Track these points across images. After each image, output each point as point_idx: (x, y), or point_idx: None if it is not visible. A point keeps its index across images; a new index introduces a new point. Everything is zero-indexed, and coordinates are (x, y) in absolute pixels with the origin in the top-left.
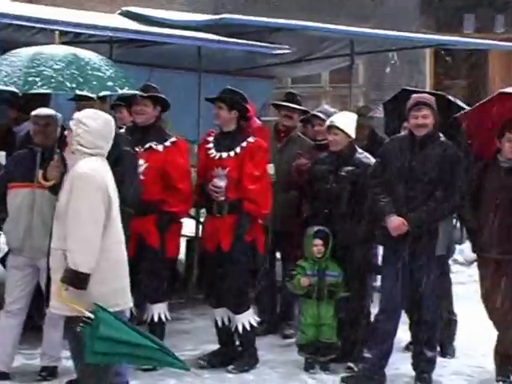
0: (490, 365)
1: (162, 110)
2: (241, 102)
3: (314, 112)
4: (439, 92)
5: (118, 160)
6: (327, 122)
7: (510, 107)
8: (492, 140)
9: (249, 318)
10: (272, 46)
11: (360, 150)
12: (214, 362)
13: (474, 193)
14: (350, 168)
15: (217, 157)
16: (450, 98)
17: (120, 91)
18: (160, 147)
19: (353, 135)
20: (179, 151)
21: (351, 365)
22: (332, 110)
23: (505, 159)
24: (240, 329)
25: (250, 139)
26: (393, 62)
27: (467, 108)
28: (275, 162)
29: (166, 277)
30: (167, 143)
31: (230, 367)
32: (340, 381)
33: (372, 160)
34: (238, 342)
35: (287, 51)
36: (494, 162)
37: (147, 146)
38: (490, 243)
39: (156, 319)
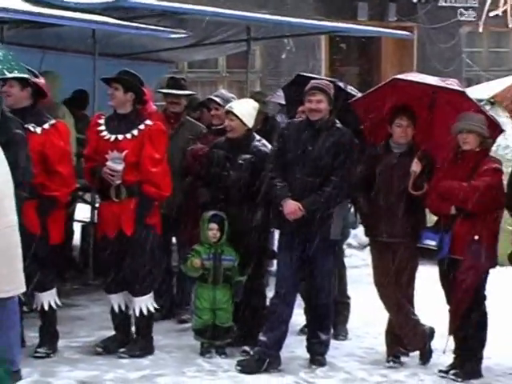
0: (381, 346)
1: (40, 94)
2: (137, 85)
3: (211, 96)
4: (329, 79)
5: (9, 143)
6: (226, 107)
7: (401, 93)
8: (384, 125)
9: (147, 303)
10: (169, 30)
11: (258, 138)
12: (111, 347)
13: (366, 177)
14: (246, 156)
15: (112, 139)
16: (340, 84)
17: (9, 75)
18: (38, 130)
19: (249, 124)
20: (59, 134)
21: (247, 348)
22: (229, 94)
23: (395, 144)
24: (137, 313)
25: (148, 122)
26: (288, 48)
27: (358, 94)
28: (167, 147)
29: (52, 264)
30: (46, 126)
31: (121, 350)
32: (236, 364)
33: (269, 148)
34: (134, 328)
35: (184, 35)
36: (386, 148)
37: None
38: (381, 227)
39: (46, 307)
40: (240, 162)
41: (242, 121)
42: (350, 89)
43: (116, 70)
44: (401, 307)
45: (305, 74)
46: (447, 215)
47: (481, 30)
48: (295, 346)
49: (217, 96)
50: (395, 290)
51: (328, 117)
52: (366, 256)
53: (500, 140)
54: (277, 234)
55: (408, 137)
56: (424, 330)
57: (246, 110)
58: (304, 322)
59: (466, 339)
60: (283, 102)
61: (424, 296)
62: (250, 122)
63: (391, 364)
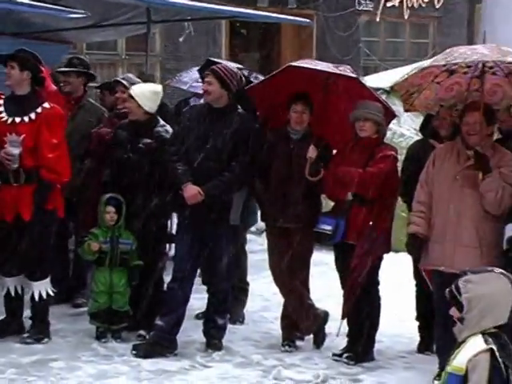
0: (277, 331)
1: None
2: (34, 63)
3: (118, 78)
4: (237, 65)
5: None
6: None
7: (297, 80)
8: (281, 111)
9: (45, 287)
10: (67, 9)
11: (162, 123)
12: (1, 332)
13: (263, 163)
14: (147, 140)
15: (9, 121)
16: (244, 72)
17: None
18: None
19: (146, 107)
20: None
21: (143, 332)
22: (136, 79)
23: (292, 130)
24: (36, 297)
25: (46, 105)
26: (188, 31)
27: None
28: (67, 129)
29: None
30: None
31: (25, 335)
32: (132, 349)
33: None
34: (29, 312)
35: (82, 15)
36: (283, 134)
37: None
38: (277, 212)
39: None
40: (140, 145)
41: (138, 103)
42: (254, 76)
43: (12, 49)
44: (295, 291)
45: (214, 59)
46: (343, 201)
47: (378, 19)
48: (192, 330)
49: (124, 79)
50: (290, 275)
51: (228, 102)
52: (264, 241)
53: (395, 128)
54: (176, 218)
55: (304, 123)
56: (318, 314)
57: (142, 92)
58: (201, 307)
59: (358, 323)
60: (184, 87)
61: (319, 280)
62: (146, 105)
63: (286, 348)
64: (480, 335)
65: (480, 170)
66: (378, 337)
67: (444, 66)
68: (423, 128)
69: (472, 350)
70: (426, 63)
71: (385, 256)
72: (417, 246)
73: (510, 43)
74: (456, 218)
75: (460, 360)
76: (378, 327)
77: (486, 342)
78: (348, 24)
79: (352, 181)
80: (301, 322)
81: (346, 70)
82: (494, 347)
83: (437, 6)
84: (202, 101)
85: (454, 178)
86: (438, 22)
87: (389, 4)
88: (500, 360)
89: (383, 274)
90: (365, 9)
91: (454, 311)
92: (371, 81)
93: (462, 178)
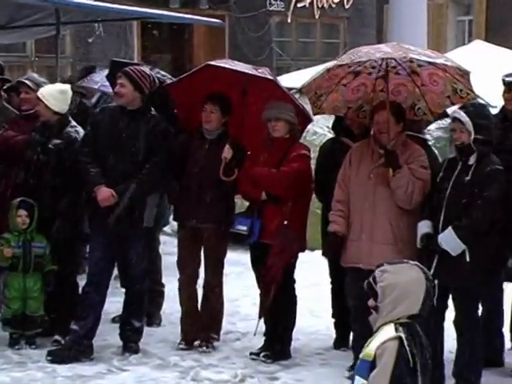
0: None
1: None
2: None
3: (21, 79)
4: (134, 62)
5: None
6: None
7: (215, 80)
8: (197, 111)
9: None
10: None
11: (73, 124)
12: None
13: (178, 163)
14: (57, 141)
15: None
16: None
17: None
18: None
19: (54, 107)
20: None
21: (58, 338)
22: (41, 79)
23: (207, 131)
24: None
25: None
26: (98, 33)
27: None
28: None
29: None
30: None
31: None
32: (46, 355)
33: (81, 134)
34: None
35: None
36: (199, 134)
37: None
38: (191, 212)
39: None
40: (50, 146)
41: (45, 104)
42: (157, 71)
43: None
44: (214, 292)
45: (119, 59)
46: (258, 201)
47: (289, 20)
48: (108, 334)
49: (27, 79)
50: (197, 275)
51: (142, 104)
52: None
53: (309, 126)
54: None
55: (212, 122)
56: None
57: (49, 93)
58: (117, 311)
59: (275, 322)
60: (95, 86)
61: (236, 280)
62: (54, 105)
63: (204, 349)
64: (392, 324)
65: (390, 167)
66: (294, 335)
67: (349, 67)
68: (335, 126)
69: (382, 337)
70: (331, 64)
71: (300, 254)
72: (336, 245)
73: (416, 42)
74: (371, 216)
75: (371, 347)
76: (295, 325)
77: (396, 330)
78: (260, 25)
79: (266, 181)
80: (215, 321)
81: (265, 72)
82: (403, 336)
83: (346, 7)
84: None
85: (368, 177)
86: (347, 22)
87: (300, 5)
88: (408, 348)
89: (299, 272)
90: (276, 9)
91: (371, 301)
92: (284, 81)
93: (376, 176)
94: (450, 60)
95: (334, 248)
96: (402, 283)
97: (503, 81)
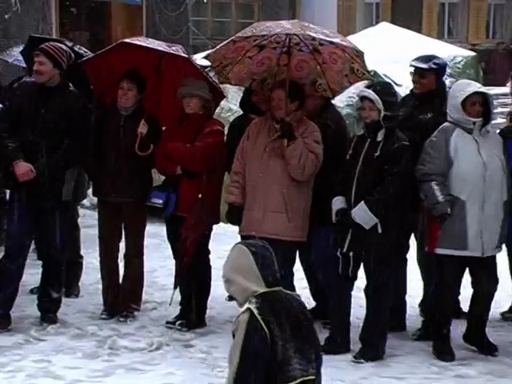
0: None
1: None
2: None
3: None
4: (56, 38)
5: None
6: None
7: (130, 57)
8: (113, 87)
9: None
10: None
11: None
12: None
13: (95, 139)
14: None
15: None
16: (68, 43)
17: None
18: None
19: None
20: None
21: None
22: None
23: (122, 107)
24: None
25: None
26: (15, 9)
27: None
28: None
29: None
30: None
31: None
32: None
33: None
34: None
35: None
36: (114, 109)
37: None
38: (109, 187)
39: None
40: None
41: None
42: (79, 47)
43: None
44: (133, 264)
45: (37, 35)
46: (173, 175)
47: (205, 0)
48: (26, 305)
49: None
50: (118, 248)
51: (60, 80)
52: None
53: (223, 103)
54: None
55: (130, 100)
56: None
57: None
58: (35, 282)
59: (190, 291)
60: (9, 60)
61: (154, 252)
62: None
63: (125, 319)
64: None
65: (285, 138)
66: (209, 303)
67: (255, 40)
68: (243, 103)
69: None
70: (235, 36)
71: (214, 226)
72: (235, 215)
73: (327, 23)
74: (265, 187)
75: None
76: (210, 294)
77: (249, 303)
78: (177, 4)
79: (180, 155)
80: (134, 293)
81: (179, 50)
82: (253, 306)
83: None
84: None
85: (264, 150)
86: (262, 2)
87: None
88: (259, 317)
89: (213, 243)
90: None
91: (227, 289)
92: (200, 59)
93: (271, 149)
94: (346, 40)
95: (233, 218)
96: (230, 265)
97: (411, 65)
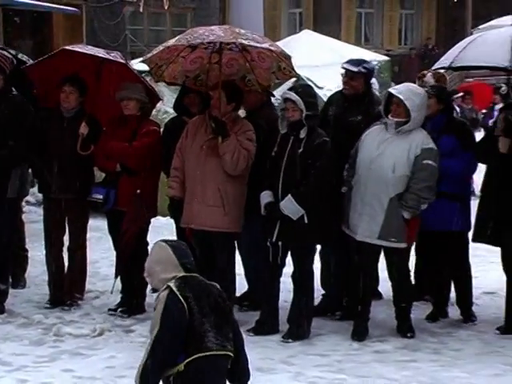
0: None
1: None
2: None
3: None
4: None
5: None
6: None
7: (71, 62)
8: (55, 91)
9: None
10: None
11: None
12: None
13: (37, 138)
14: None
15: None
16: (12, 52)
17: None
18: None
19: None
20: None
21: None
22: None
23: (64, 109)
24: None
25: None
26: None
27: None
28: None
29: None
30: None
31: None
32: None
33: None
34: None
35: None
36: (57, 112)
37: None
38: (54, 184)
39: None
40: None
41: None
42: (21, 56)
43: None
44: (77, 255)
45: None
46: (113, 172)
47: (141, 10)
48: None
49: None
50: (62, 241)
51: (4, 85)
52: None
53: (160, 106)
54: None
55: (72, 103)
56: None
57: None
58: None
59: (131, 280)
60: None
61: (96, 245)
62: None
63: (67, 307)
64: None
65: (219, 135)
66: (148, 291)
67: (188, 42)
68: (176, 106)
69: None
70: (170, 42)
71: (152, 220)
72: (175, 208)
73: (254, 31)
74: (202, 182)
75: None
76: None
77: (168, 283)
78: (115, 14)
79: (119, 154)
80: (75, 284)
81: (117, 56)
82: (173, 285)
83: None
84: None
85: (201, 148)
86: (194, 12)
87: None
88: (178, 293)
89: (151, 235)
90: (129, 0)
91: (149, 281)
92: (138, 64)
93: (207, 147)
94: (274, 45)
95: (173, 211)
96: (151, 260)
97: (342, 67)
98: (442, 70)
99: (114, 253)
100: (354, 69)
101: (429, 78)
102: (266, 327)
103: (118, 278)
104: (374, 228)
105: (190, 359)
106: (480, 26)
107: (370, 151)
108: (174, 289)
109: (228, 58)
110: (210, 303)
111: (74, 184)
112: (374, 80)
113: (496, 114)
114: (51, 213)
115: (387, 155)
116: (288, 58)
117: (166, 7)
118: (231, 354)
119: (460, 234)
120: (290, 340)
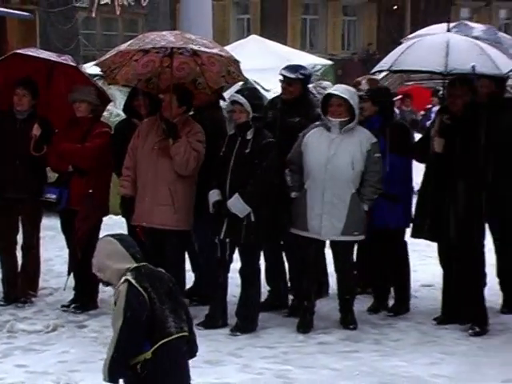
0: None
1: None
2: None
3: None
4: None
5: None
6: None
7: (24, 66)
8: (8, 94)
9: None
10: None
11: None
12: None
13: None
14: None
15: None
16: None
17: None
18: None
19: None
20: None
21: None
22: None
23: (17, 111)
24: None
25: None
26: None
27: None
28: None
29: None
30: None
31: None
32: None
33: None
34: None
35: None
36: (10, 114)
37: None
38: (8, 185)
39: None
40: None
41: None
42: None
43: None
44: (33, 253)
45: None
46: (65, 172)
47: (94, 15)
48: None
49: None
50: (16, 240)
51: None
52: None
53: (112, 108)
54: None
55: (25, 105)
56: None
57: None
58: None
59: (83, 277)
60: None
61: (50, 244)
62: None
63: (20, 304)
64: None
65: (170, 137)
66: (100, 287)
67: (140, 47)
68: (125, 108)
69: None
70: (122, 47)
71: (104, 218)
72: (127, 206)
73: (203, 35)
74: (153, 182)
75: None
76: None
77: (125, 276)
78: (68, 19)
79: (71, 155)
80: (35, 280)
81: (68, 60)
82: (130, 277)
83: (143, 4)
84: None
85: (152, 148)
86: (145, 18)
87: (102, 2)
88: (137, 285)
89: (103, 233)
90: (82, 5)
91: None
92: (90, 68)
93: (159, 148)
94: (224, 50)
95: (125, 210)
96: (100, 255)
97: (280, 74)
98: (377, 76)
99: (68, 251)
100: (292, 75)
101: (364, 85)
102: (214, 321)
103: (71, 275)
104: (337, 225)
105: (156, 346)
106: (409, 36)
107: (321, 153)
108: (133, 281)
109: (179, 61)
110: (165, 289)
111: (27, 184)
112: (328, 83)
113: (433, 115)
114: (4, 212)
115: (343, 154)
116: (236, 62)
117: (117, 13)
118: (188, 334)
119: (396, 232)
120: (237, 333)
